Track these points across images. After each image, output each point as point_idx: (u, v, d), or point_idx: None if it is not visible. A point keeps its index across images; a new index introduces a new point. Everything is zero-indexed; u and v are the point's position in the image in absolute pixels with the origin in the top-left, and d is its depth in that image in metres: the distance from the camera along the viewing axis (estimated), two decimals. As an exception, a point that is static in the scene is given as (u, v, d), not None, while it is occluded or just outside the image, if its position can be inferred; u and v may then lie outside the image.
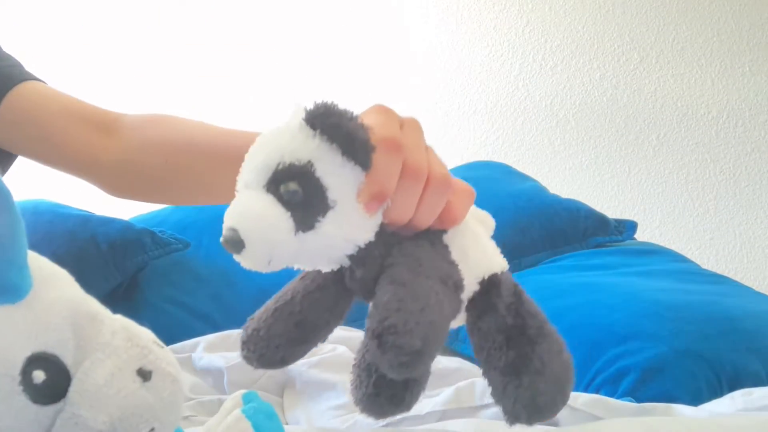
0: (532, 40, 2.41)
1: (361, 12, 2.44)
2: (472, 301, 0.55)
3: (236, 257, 0.49)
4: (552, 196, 1.77)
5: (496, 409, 0.89)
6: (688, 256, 1.74)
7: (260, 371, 1.06)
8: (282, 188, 0.48)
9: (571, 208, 1.69)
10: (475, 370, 1.07)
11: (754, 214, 2.35)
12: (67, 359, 0.41)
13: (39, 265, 0.42)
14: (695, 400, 1.05)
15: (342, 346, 1.08)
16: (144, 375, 0.42)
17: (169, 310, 1.43)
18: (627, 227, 1.74)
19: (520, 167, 2.01)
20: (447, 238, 0.54)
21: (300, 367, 1.03)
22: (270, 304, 0.55)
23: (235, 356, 1.08)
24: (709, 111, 2.36)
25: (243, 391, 0.52)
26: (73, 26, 2.43)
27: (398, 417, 0.86)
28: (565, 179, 2.36)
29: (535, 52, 2.41)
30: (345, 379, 1.00)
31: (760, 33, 2.35)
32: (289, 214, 0.48)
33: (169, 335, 0.95)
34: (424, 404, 0.90)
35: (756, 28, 2.35)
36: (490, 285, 0.56)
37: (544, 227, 1.64)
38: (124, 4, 2.46)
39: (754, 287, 1.55)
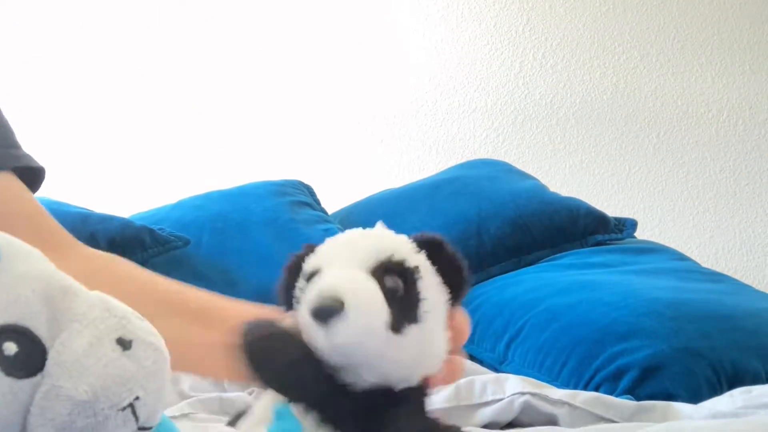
0: (532, 39, 2.41)
1: (361, 10, 2.43)
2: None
3: (320, 326, 0.45)
4: (552, 195, 1.77)
5: (496, 407, 0.89)
6: (688, 254, 1.74)
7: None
8: (389, 281, 0.47)
9: (571, 206, 1.69)
10: (474, 368, 1.06)
11: (754, 213, 2.35)
12: (41, 332, 0.40)
13: (8, 241, 0.42)
14: (695, 398, 1.05)
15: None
16: (124, 344, 0.41)
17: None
18: (627, 225, 1.74)
19: (520, 165, 2.01)
20: None
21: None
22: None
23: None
24: (709, 109, 2.36)
25: (279, 402, 0.48)
26: (73, 26, 2.43)
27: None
28: (565, 177, 2.36)
29: (536, 51, 2.41)
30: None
31: (760, 32, 2.35)
32: (387, 308, 0.46)
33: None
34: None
35: (756, 26, 2.35)
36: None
37: (544, 225, 1.64)
38: (124, 4, 2.46)
39: (753, 285, 1.55)
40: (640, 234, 1.82)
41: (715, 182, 2.36)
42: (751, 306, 1.29)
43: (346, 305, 0.44)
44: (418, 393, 0.49)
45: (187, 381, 1.06)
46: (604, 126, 2.38)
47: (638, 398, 1.03)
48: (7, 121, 0.84)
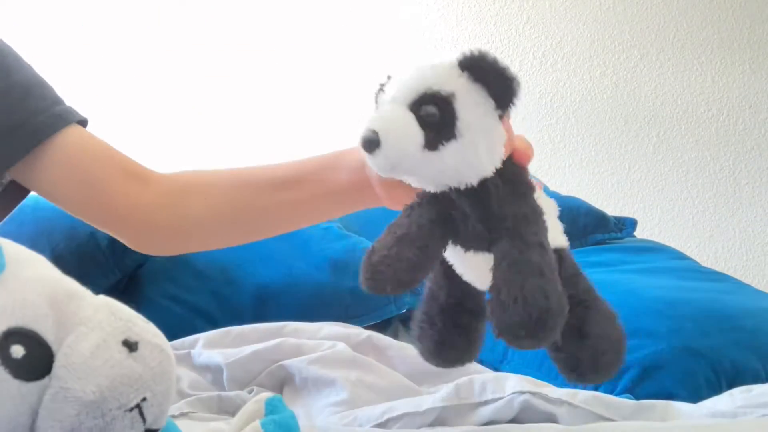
0: (532, 37, 2.41)
1: (360, 9, 2.43)
2: None
3: (368, 157, 0.58)
4: (552, 194, 1.77)
5: (496, 406, 0.89)
6: (688, 253, 1.74)
7: (259, 368, 1.06)
8: (423, 110, 0.58)
9: (570, 205, 1.69)
10: (474, 367, 1.07)
11: (754, 212, 2.35)
12: (48, 335, 0.41)
13: (14, 250, 0.43)
14: (694, 397, 1.05)
15: (341, 343, 1.08)
16: (130, 346, 0.42)
17: (168, 306, 1.43)
18: (627, 224, 1.74)
19: (519, 164, 2.01)
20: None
21: (299, 363, 1.03)
22: (389, 236, 0.60)
23: (234, 353, 1.08)
24: (709, 109, 2.36)
25: (267, 395, 0.51)
26: (72, 26, 2.43)
27: (400, 412, 0.86)
28: (565, 176, 2.36)
29: (536, 49, 2.41)
30: (344, 375, 1.00)
31: (760, 31, 2.35)
32: (422, 132, 0.58)
33: (169, 332, 0.95)
34: (424, 400, 0.90)
35: (756, 25, 2.35)
36: (557, 257, 0.62)
37: (544, 224, 1.64)
38: (124, 3, 2.46)
39: (753, 285, 1.55)
40: (640, 233, 1.82)
41: (715, 182, 2.36)
42: (750, 305, 1.29)
43: (381, 138, 0.57)
44: (502, 177, 0.61)
45: (186, 379, 1.06)
46: (604, 125, 2.38)
47: (638, 397, 1.03)
48: (46, 81, 0.90)
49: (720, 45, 2.35)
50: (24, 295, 0.41)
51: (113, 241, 1.47)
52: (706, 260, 2.06)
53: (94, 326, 0.41)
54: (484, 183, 0.60)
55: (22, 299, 0.40)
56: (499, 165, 0.61)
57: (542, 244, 0.59)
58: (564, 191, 1.83)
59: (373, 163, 0.59)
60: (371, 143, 0.57)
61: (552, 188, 1.82)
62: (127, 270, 1.46)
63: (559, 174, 2.35)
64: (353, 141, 2.19)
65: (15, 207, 0.94)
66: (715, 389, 1.10)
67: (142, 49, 2.44)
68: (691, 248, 2.21)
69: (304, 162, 0.85)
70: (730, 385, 1.07)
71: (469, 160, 0.59)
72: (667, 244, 1.78)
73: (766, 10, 2.34)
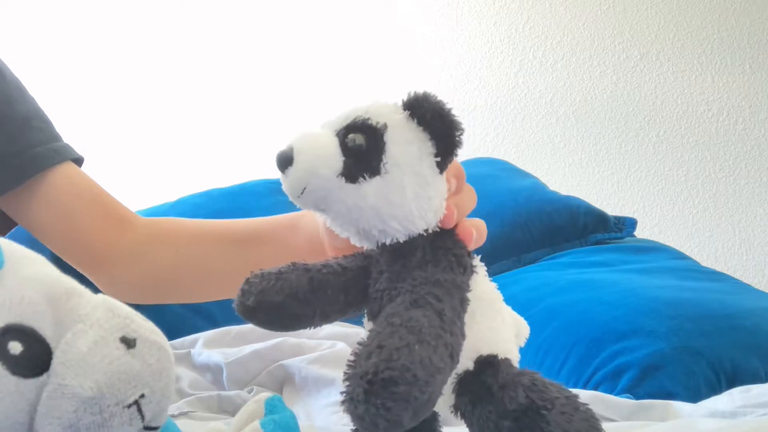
0: (532, 37, 2.41)
1: (360, 8, 2.43)
2: (462, 381, 0.50)
3: (281, 178, 0.52)
4: (552, 193, 1.77)
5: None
6: (688, 253, 1.74)
7: (259, 367, 1.06)
8: (349, 137, 0.51)
9: (570, 205, 1.69)
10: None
11: (754, 212, 2.35)
12: (46, 332, 0.41)
13: (13, 248, 0.43)
14: (694, 397, 1.05)
15: (341, 342, 1.08)
16: (128, 342, 0.42)
17: (168, 306, 1.43)
18: (626, 224, 1.74)
19: (519, 164, 2.01)
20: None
21: (299, 363, 1.03)
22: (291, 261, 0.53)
23: (234, 352, 1.08)
24: (709, 108, 2.36)
25: (267, 394, 0.51)
26: (73, 26, 2.43)
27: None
28: (565, 176, 2.36)
29: (536, 49, 2.41)
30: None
31: (760, 31, 2.35)
32: (343, 159, 0.51)
33: (169, 331, 0.95)
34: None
35: (756, 25, 2.35)
36: (486, 364, 0.50)
37: (544, 224, 1.64)
38: (124, 3, 2.46)
39: (753, 284, 1.55)
40: (640, 233, 1.82)
41: (715, 181, 2.36)
42: (750, 305, 1.29)
43: (294, 155, 0.51)
44: (428, 241, 0.52)
45: (185, 379, 1.06)
46: (604, 125, 2.38)
47: (638, 397, 1.03)
48: (46, 115, 0.91)
49: (720, 45, 2.35)
50: (22, 292, 0.41)
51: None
52: (706, 260, 2.06)
53: (92, 323, 0.42)
54: (411, 242, 0.51)
55: (19, 296, 0.41)
56: (432, 224, 0.52)
57: (441, 312, 0.46)
58: (564, 191, 1.83)
59: (284, 185, 0.52)
60: (283, 160, 0.51)
61: (552, 188, 1.82)
62: (127, 269, 1.45)
63: (559, 174, 2.35)
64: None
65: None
66: (715, 389, 1.10)
67: (143, 48, 2.44)
68: (691, 248, 2.21)
69: (267, 220, 0.85)
70: (730, 385, 1.07)
71: (393, 203, 0.50)
72: (667, 244, 1.78)
73: (766, 10, 2.34)
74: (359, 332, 1.14)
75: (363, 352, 0.42)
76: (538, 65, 2.40)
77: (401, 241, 0.51)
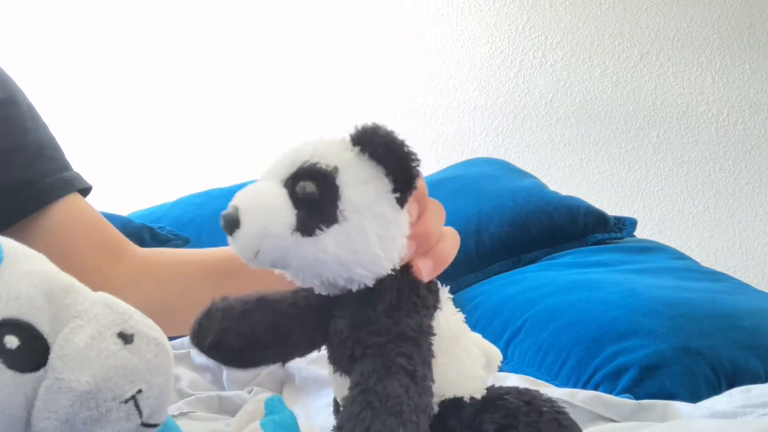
0: (532, 37, 2.41)
1: (360, 8, 2.43)
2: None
3: (229, 240, 0.47)
4: (551, 193, 1.77)
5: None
6: (688, 253, 1.74)
7: (259, 367, 1.05)
8: (299, 186, 0.47)
9: (570, 205, 1.69)
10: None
11: (754, 212, 2.35)
12: (43, 327, 0.41)
13: (12, 245, 0.43)
14: (694, 397, 1.05)
15: (341, 342, 1.08)
16: (125, 338, 0.42)
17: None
18: (626, 224, 1.74)
19: (519, 164, 2.01)
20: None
21: (299, 363, 1.03)
22: (252, 293, 0.51)
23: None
24: (709, 108, 2.36)
25: (267, 394, 0.51)
26: (73, 26, 2.43)
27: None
28: (565, 176, 2.36)
29: (536, 49, 2.41)
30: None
31: (760, 31, 2.35)
32: (295, 212, 0.46)
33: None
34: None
35: (756, 25, 2.35)
36: (450, 407, 0.49)
37: (544, 224, 1.64)
38: (123, 3, 2.46)
39: (753, 284, 1.55)
40: (640, 233, 1.82)
41: (715, 182, 2.36)
42: (750, 305, 1.29)
43: (240, 216, 0.46)
44: (395, 281, 0.48)
45: (185, 379, 1.05)
46: (604, 125, 2.38)
47: (637, 397, 1.03)
48: (58, 143, 0.93)
49: (720, 45, 2.35)
50: (20, 287, 0.41)
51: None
52: (706, 260, 2.06)
53: (90, 319, 0.42)
54: (379, 285, 0.48)
55: (17, 291, 0.41)
56: (397, 262, 0.49)
57: (413, 374, 0.45)
58: (564, 191, 1.83)
59: (234, 248, 0.47)
60: (230, 222, 0.46)
61: (552, 188, 1.82)
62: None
63: (558, 174, 2.35)
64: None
65: None
66: (715, 389, 1.10)
67: (142, 48, 2.44)
68: (691, 248, 2.21)
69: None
70: (730, 385, 1.07)
71: (357, 251, 0.47)
72: (667, 244, 1.78)
73: (766, 10, 2.34)
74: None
75: None
76: (538, 65, 2.40)
77: (370, 285, 0.48)
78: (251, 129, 2.43)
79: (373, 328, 0.47)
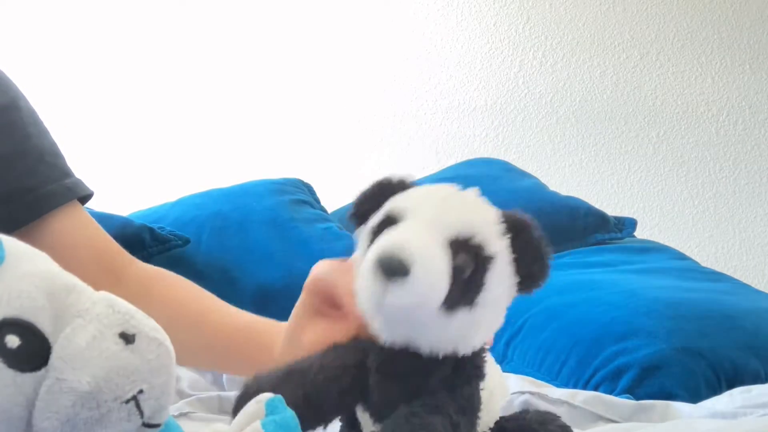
0: (532, 37, 2.41)
1: (360, 10, 2.43)
2: None
3: (380, 280, 0.45)
4: (552, 194, 1.77)
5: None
6: (688, 253, 1.74)
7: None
8: (460, 260, 0.46)
9: (570, 205, 1.69)
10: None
11: (754, 212, 2.35)
12: (45, 327, 0.41)
13: (15, 245, 0.43)
14: (694, 397, 1.05)
15: (341, 342, 1.08)
16: (127, 338, 0.42)
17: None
18: (626, 225, 1.74)
19: (519, 164, 2.01)
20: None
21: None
22: (283, 366, 0.50)
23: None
24: (709, 109, 2.36)
25: (268, 395, 0.51)
26: (74, 25, 2.43)
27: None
28: (565, 177, 2.36)
29: (536, 49, 2.41)
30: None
31: (760, 31, 2.35)
32: (450, 286, 0.46)
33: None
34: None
35: (756, 26, 2.35)
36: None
37: (544, 225, 1.63)
38: (124, 3, 2.46)
39: (753, 285, 1.55)
40: (640, 233, 1.82)
41: (715, 182, 2.36)
42: (750, 305, 1.29)
43: (412, 272, 0.44)
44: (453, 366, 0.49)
45: (186, 379, 1.05)
46: (604, 125, 2.38)
47: (637, 398, 1.03)
48: (59, 149, 0.92)
49: (720, 45, 2.35)
50: (21, 286, 0.41)
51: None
52: (706, 260, 2.06)
53: (92, 318, 0.42)
54: (444, 359, 0.49)
55: (18, 290, 0.41)
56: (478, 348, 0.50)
57: (457, 427, 0.47)
58: (564, 191, 1.83)
59: (382, 294, 0.45)
60: (396, 271, 0.44)
61: (552, 188, 1.82)
62: (127, 270, 1.45)
63: (559, 174, 2.35)
64: (352, 141, 2.17)
65: None
66: (715, 389, 1.10)
67: (142, 48, 2.44)
68: (691, 248, 2.21)
69: (258, 321, 0.84)
70: (730, 386, 1.07)
71: (467, 336, 0.48)
72: (667, 244, 1.78)
73: (766, 10, 2.34)
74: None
75: None
76: (538, 65, 2.40)
77: (439, 358, 0.48)
78: (251, 129, 2.43)
79: (429, 400, 0.47)
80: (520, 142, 2.39)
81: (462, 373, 0.49)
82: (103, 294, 0.44)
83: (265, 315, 1.32)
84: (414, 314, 0.46)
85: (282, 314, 1.30)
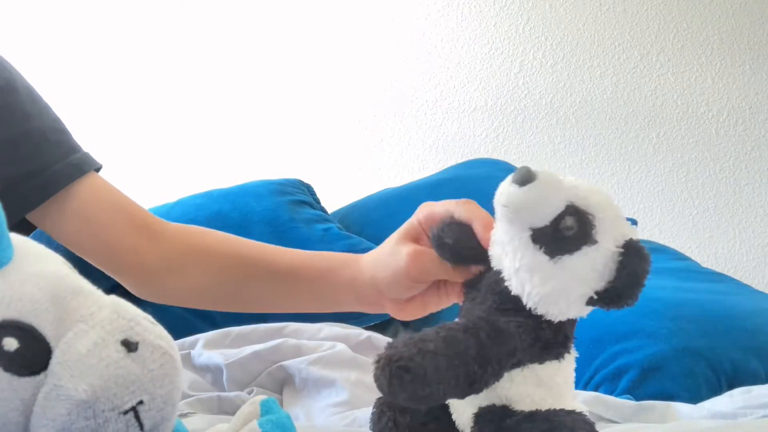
0: (532, 38, 2.41)
1: (361, 10, 2.43)
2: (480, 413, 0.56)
3: (513, 192, 0.55)
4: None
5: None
6: (688, 254, 1.74)
7: (259, 368, 1.05)
8: (569, 219, 0.55)
9: (570, 205, 1.69)
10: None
11: (754, 213, 2.35)
12: (46, 330, 0.39)
13: (26, 245, 0.42)
14: (694, 398, 1.05)
15: (341, 344, 1.08)
16: (129, 346, 0.40)
17: (168, 307, 1.42)
18: (627, 225, 1.74)
19: (520, 165, 2.01)
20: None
21: (299, 364, 1.03)
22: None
23: (234, 353, 1.07)
24: (709, 109, 2.36)
25: (262, 397, 0.51)
26: (75, 25, 2.43)
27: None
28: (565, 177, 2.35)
29: (536, 50, 2.41)
30: (344, 376, 1.00)
31: (760, 31, 2.35)
32: (551, 222, 0.54)
33: (169, 332, 0.95)
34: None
35: (756, 26, 2.35)
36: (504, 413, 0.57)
37: (544, 225, 1.64)
38: (124, 3, 2.46)
39: (753, 285, 1.55)
40: (640, 234, 1.81)
41: (715, 182, 2.36)
42: (751, 306, 1.29)
43: (533, 182, 0.55)
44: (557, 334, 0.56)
45: (186, 380, 1.05)
46: (604, 126, 2.38)
47: (638, 398, 1.03)
48: (63, 124, 0.91)
49: (720, 45, 2.35)
50: (24, 288, 0.40)
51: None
52: (706, 261, 2.06)
53: (95, 324, 0.40)
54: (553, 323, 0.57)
55: (20, 292, 0.39)
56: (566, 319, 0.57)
57: (484, 348, 0.52)
58: (564, 192, 1.83)
59: (514, 201, 0.55)
60: (529, 176, 0.56)
61: (552, 189, 1.82)
62: (127, 270, 1.45)
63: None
64: (352, 141, 2.17)
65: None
66: (715, 390, 1.10)
67: (143, 48, 2.44)
68: (691, 249, 2.21)
69: (306, 255, 0.84)
70: (730, 386, 1.07)
71: (555, 294, 0.55)
72: (667, 244, 1.78)
73: (766, 10, 2.34)
74: (359, 333, 1.14)
75: (404, 338, 0.50)
76: (539, 66, 2.40)
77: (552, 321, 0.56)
78: (251, 130, 2.43)
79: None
80: (520, 143, 2.39)
81: (555, 340, 0.56)
82: (111, 298, 0.42)
83: (266, 316, 1.32)
84: (525, 220, 0.54)
85: (282, 314, 1.30)
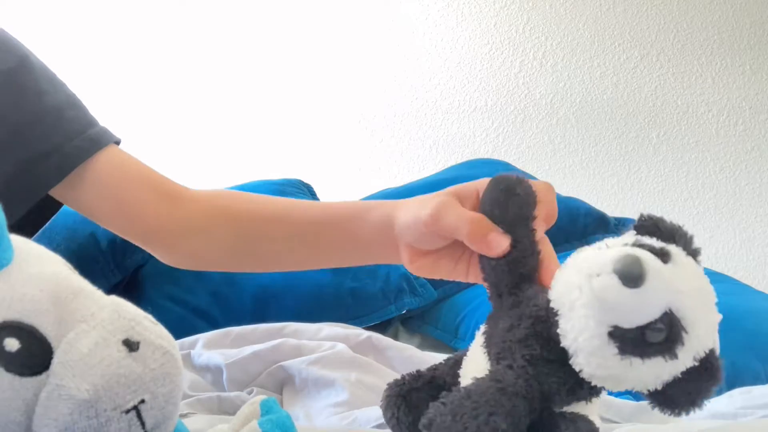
0: (532, 38, 2.41)
1: (361, 10, 2.43)
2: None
3: (617, 293, 0.48)
4: (552, 194, 1.76)
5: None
6: (688, 254, 1.74)
7: (259, 369, 1.05)
8: (660, 322, 0.48)
9: (570, 206, 1.69)
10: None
11: (754, 213, 2.35)
12: (47, 331, 0.40)
13: (27, 246, 0.42)
14: (694, 398, 1.05)
15: (341, 344, 1.08)
16: (130, 345, 0.41)
17: (168, 307, 1.43)
18: (627, 225, 1.74)
19: (520, 165, 2.01)
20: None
21: (299, 364, 1.03)
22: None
23: (234, 353, 1.07)
24: (709, 109, 2.36)
25: (262, 397, 0.51)
26: (77, 25, 2.43)
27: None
28: (565, 177, 2.36)
29: (536, 50, 2.41)
30: (344, 376, 1.00)
31: (760, 31, 2.35)
32: (641, 327, 0.48)
33: (169, 332, 0.95)
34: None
35: (756, 26, 2.35)
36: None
37: (544, 225, 1.64)
38: (125, 3, 2.46)
39: (753, 285, 1.55)
40: (640, 234, 1.82)
41: (715, 182, 2.36)
42: (751, 306, 1.29)
43: (642, 286, 0.48)
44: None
45: (186, 380, 1.05)
46: (604, 125, 2.38)
47: (638, 398, 1.03)
48: (78, 99, 0.91)
49: (720, 46, 2.35)
50: (25, 289, 0.40)
51: (113, 242, 1.47)
52: (706, 261, 2.05)
53: (96, 324, 0.41)
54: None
55: (21, 293, 0.40)
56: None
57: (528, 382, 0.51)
58: (564, 192, 1.83)
59: (623, 291, 0.48)
60: (639, 276, 0.48)
61: (552, 189, 1.82)
62: (127, 271, 1.46)
63: (559, 174, 2.35)
64: (352, 141, 2.17)
65: (51, 216, 0.97)
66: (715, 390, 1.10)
67: (143, 49, 2.44)
68: (691, 249, 2.21)
69: (331, 207, 0.84)
70: (730, 386, 1.07)
71: (611, 379, 0.51)
72: (667, 244, 1.78)
73: (766, 10, 2.34)
74: (359, 333, 1.14)
75: (459, 395, 0.48)
76: (539, 66, 2.40)
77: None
78: (252, 130, 2.43)
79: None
80: (520, 143, 2.39)
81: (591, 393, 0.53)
82: (112, 298, 0.43)
83: (266, 316, 1.32)
84: (614, 319, 0.48)
85: (282, 314, 1.31)
